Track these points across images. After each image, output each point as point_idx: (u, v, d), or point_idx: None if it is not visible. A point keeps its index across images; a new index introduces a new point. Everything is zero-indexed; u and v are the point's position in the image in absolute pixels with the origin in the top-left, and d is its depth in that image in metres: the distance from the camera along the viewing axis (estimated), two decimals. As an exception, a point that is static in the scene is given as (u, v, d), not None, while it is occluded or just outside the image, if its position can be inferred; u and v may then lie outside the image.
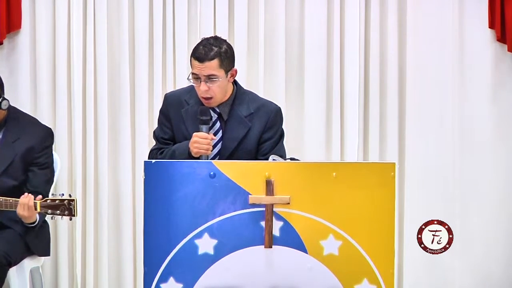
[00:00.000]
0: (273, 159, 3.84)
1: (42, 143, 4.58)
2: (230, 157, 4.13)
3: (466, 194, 5.46)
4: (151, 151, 4.29)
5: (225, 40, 4.16)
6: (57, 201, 4.26)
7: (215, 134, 4.13)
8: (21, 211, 4.31)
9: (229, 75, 4.12)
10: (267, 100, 4.30)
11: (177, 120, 4.21)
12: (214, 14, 5.33)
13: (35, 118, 4.74)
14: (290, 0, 5.39)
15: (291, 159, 4.13)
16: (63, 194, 4.31)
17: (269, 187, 3.55)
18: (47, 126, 4.70)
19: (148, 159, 4.25)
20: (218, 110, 4.16)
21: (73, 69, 5.27)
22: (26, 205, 4.28)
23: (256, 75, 5.31)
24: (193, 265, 3.56)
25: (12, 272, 4.44)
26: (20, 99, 5.25)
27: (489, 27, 5.40)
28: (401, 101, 5.44)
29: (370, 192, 3.60)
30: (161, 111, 4.30)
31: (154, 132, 4.34)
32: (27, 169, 4.54)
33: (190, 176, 3.57)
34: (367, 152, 5.42)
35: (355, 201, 3.59)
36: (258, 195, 3.56)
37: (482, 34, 5.42)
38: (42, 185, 4.57)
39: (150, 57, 5.33)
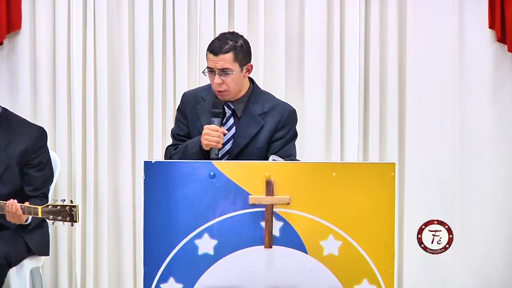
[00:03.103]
0: (273, 159, 3.84)
1: (36, 144, 4.56)
2: (241, 153, 4.13)
3: (466, 194, 5.46)
4: (167, 148, 4.31)
5: (242, 36, 4.17)
6: (58, 207, 4.24)
7: (228, 130, 4.13)
8: (10, 219, 4.31)
9: (244, 70, 4.12)
10: (283, 101, 4.31)
11: (193, 117, 4.22)
12: (214, 14, 5.33)
13: (25, 119, 4.69)
14: (290, 0, 5.39)
15: (291, 159, 4.13)
16: (64, 200, 4.29)
17: (269, 187, 3.55)
18: (39, 126, 4.67)
19: (164, 155, 4.28)
20: (232, 106, 4.16)
21: (73, 69, 5.27)
22: (14, 215, 4.27)
23: (256, 76, 5.30)
24: (193, 265, 3.56)
25: (12, 272, 4.43)
26: (20, 99, 5.25)
27: (489, 28, 5.40)
28: (401, 101, 5.44)
29: (370, 192, 3.60)
30: (178, 109, 4.32)
31: (171, 130, 4.35)
32: (23, 172, 4.53)
33: (190, 176, 3.57)
34: (367, 152, 5.42)
35: (355, 201, 3.59)
36: (258, 195, 3.55)
37: (482, 35, 5.41)
38: (42, 186, 4.56)
39: (150, 57, 5.33)
